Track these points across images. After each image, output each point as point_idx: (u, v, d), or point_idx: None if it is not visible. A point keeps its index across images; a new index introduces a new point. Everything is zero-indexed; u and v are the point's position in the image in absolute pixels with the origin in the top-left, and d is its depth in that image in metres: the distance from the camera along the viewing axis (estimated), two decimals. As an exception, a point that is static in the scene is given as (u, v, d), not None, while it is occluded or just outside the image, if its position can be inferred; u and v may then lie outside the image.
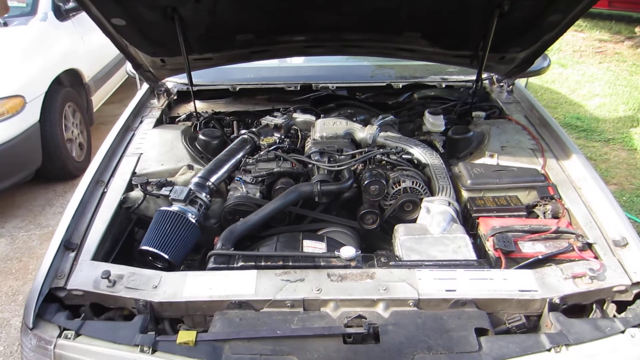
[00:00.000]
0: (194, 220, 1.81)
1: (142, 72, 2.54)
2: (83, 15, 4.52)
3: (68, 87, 4.29)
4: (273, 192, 2.01)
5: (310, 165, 2.14)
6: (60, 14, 4.35)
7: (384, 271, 1.57)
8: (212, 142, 2.28)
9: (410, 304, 1.47)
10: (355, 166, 2.07)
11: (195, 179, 1.97)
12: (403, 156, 2.12)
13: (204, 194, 1.92)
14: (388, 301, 1.47)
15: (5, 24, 4.04)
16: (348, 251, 1.60)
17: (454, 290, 1.50)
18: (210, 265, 1.60)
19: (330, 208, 2.07)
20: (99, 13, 2.01)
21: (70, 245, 1.67)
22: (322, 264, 1.60)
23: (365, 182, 1.96)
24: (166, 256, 1.71)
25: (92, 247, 1.68)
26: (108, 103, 5.30)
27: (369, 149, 2.18)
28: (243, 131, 2.32)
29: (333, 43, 2.41)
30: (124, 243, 1.86)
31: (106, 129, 5.54)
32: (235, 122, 2.53)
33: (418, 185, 1.99)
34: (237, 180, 2.02)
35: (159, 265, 1.75)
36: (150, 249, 1.71)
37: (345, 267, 1.60)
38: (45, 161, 3.85)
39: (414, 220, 1.94)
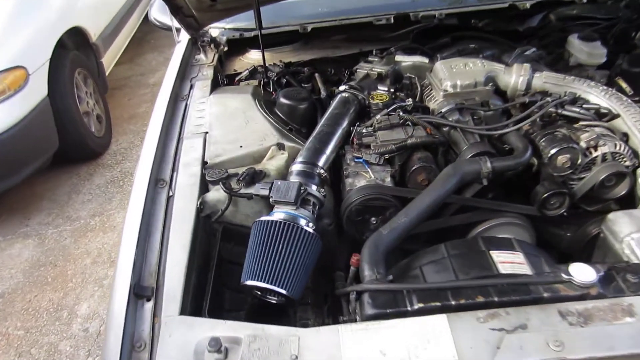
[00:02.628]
0: (312, 230, 1.21)
1: (182, 19, 1.86)
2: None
3: (74, 49, 3.59)
4: (409, 174, 1.39)
5: (446, 129, 1.50)
6: (51, -40, 3.55)
7: (647, 299, 0.98)
8: (299, 106, 1.64)
9: None
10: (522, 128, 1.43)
11: (297, 166, 1.36)
12: (584, 106, 1.47)
13: (314, 187, 1.31)
14: (679, 356, 0.90)
15: (-13, -23, 3.28)
16: (583, 271, 1.00)
17: None
18: (370, 310, 1.02)
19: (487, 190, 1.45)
20: None
21: (142, 292, 1.10)
22: (544, 295, 1.01)
23: (551, 152, 1.33)
24: (284, 292, 1.14)
25: (176, 292, 1.10)
26: (117, 64, 4.60)
27: (529, 99, 1.52)
28: (342, 87, 1.65)
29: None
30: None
31: (122, 94, 4.95)
32: (317, 75, 1.87)
33: (622, 149, 1.35)
34: (358, 161, 1.40)
35: (273, 300, 1.19)
36: (260, 284, 1.13)
37: (581, 297, 1.01)
38: (63, 142, 3.23)
39: (628, 202, 1.33)
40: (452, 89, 1.59)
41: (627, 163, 1.35)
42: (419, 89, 1.68)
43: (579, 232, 1.45)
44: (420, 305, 1.02)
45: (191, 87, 1.80)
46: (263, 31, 1.86)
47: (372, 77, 1.74)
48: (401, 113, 1.52)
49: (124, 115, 4.31)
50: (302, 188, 1.26)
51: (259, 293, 1.20)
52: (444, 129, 1.51)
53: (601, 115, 1.48)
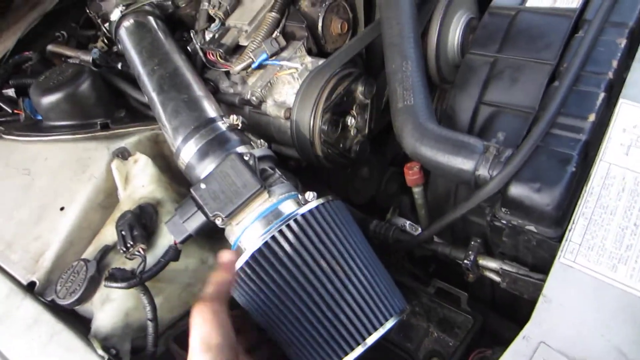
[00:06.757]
0: (322, 200, 0.63)
1: None
2: None
3: None
4: (321, 30, 0.85)
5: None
6: None
7: None
8: (79, 89, 0.85)
9: None
10: None
11: (191, 145, 0.70)
12: None
13: (243, 147, 0.69)
14: None
15: None
16: None
17: None
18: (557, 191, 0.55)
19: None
20: None
21: None
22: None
23: None
24: (394, 321, 0.59)
25: None
26: None
27: None
28: (114, 15, 0.91)
29: None
30: None
31: None
32: (50, 47, 1.08)
33: None
34: (256, 66, 0.79)
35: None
36: (365, 340, 0.56)
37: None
38: None
39: None
40: None
41: None
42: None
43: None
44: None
45: None
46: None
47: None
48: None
49: None
50: (243, 158, 0.63)
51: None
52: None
53: None
